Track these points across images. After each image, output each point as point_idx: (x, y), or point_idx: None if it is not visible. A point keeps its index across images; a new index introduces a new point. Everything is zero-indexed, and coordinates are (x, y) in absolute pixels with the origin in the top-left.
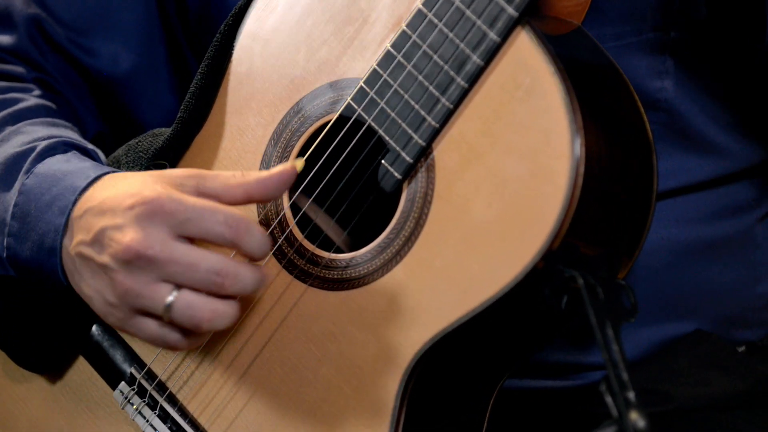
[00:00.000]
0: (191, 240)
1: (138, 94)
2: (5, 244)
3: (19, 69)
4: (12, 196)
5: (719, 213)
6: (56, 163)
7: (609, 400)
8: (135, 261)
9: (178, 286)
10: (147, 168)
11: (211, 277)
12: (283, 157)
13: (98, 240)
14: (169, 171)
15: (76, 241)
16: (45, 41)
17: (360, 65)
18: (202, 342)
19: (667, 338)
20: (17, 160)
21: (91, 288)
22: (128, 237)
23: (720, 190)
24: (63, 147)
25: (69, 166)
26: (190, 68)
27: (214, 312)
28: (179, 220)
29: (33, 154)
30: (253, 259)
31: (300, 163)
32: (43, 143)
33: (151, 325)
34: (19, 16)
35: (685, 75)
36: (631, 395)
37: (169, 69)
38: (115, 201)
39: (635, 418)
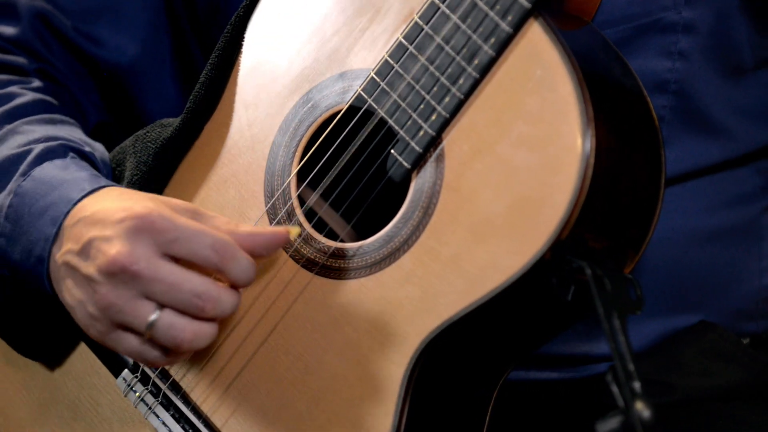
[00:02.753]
0: (177, 260)
1: (142, 85)
2: None
3: (20, 60)
4: (6, 197)
5: (725, 203)
6: (53, 169)
7: (615, 390)
8: (119, 274)
9: (160, 305)
10: (157, 155)
11: (192, 300)
12: (291, 148)
13: (86, 250)
14: (167, 198)
15: (64, 249)
16: (49, 32)
17: (371, 56)
18: (181, 360)
19: (672, 330)
20: (14, 162)
21: (74, 298)
22: (114, 249)
23: (727, 176)
24: (62, 150)
25: (66, 174)
26: (195, 60)
27: (196, 334)
28: (167, 239)
29: (30, 157)
30: (236, 285)
31: (294, 231)
32: (41, 146)
33: (131, 341)
34: (24, 7)
35: (697, 55)
36: (637, 385)
37: (174, 60)
38: (107, 213)
39: (641, 407)
